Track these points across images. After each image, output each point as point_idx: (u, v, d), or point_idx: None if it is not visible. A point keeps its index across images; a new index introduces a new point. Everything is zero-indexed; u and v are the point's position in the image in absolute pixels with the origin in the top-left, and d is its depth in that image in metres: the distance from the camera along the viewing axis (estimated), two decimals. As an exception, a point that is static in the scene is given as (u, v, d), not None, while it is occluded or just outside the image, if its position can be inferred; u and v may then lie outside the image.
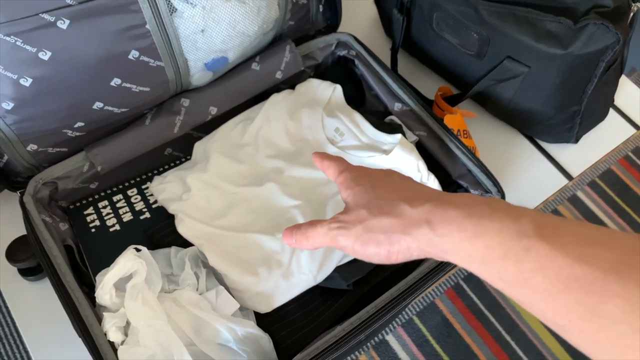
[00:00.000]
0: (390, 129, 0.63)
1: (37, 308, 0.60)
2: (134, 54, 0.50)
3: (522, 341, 1.25)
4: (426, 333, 1.24)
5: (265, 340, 0.51)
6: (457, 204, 0.35)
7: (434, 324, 1.25)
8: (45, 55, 0.45)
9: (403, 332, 1.24)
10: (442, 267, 0.53)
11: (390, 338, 1.22)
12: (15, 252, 0.58)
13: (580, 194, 1.48)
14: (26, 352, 1.14)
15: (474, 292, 1.30)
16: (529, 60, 0.62)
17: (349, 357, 1.11)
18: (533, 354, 1.24)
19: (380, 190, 0.39)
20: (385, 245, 0.37)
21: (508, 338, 1.25)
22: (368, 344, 1.17)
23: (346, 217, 0.39)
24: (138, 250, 0.51)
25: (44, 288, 0.60)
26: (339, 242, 0.39)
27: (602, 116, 0.76)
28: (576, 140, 0.75)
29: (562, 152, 0.77)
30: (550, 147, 0.77)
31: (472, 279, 1.32)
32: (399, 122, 0.64)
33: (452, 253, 0.35)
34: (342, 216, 0.40)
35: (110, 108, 0.53)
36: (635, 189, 1.50)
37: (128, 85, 0.52)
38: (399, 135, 0.60)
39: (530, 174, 0.75)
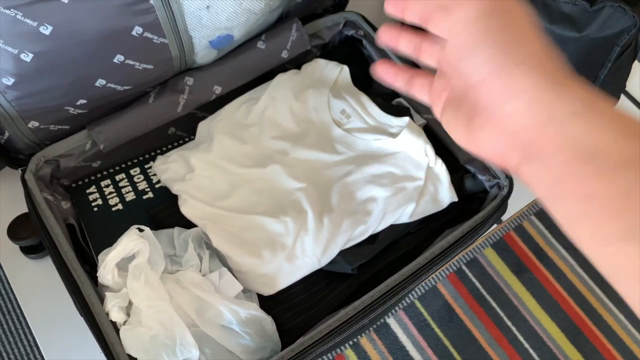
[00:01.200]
0: (398, 111, 0.61)
1: (40, 286, 0.60)
2: (137, 30, 0.49)
3: (523, 327, 1.25)
4: (427, 317, 1.24)
5: (268, 322, 0.50)
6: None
7: (435, 308, 1.25)
8: (46, 30, 0.44)
9: (404, 316, 1.24)
10: (446, 253, 0.53)
11: (392, 321, 1.23)
12: (17, 230, 0.58)
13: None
14: (29, 329, 1.14)
15: (476, 277, 1.30)
16: (542, 43, 0.61)
17: (350, 340, 1.12)
18: (533, 339, 1.24)
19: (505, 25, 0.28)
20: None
21: (509, 323, 1.26)
22: (371, 327, 1.17)
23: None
24: (141, 230, 0.50)
25: (46, 266, 0.60)
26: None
27: (613, 102, 0.75)
28: (586, 126, 0.73)
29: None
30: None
31: (474, 264, 1.31)
32: (406, 104, 0.63)
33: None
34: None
35: (113, 85, 0.52)
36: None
37: (131, 62, 0.51)
38: (407, 118, 0.59)
39: (538, 159, 0.73)
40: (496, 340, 1.23)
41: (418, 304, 1.25)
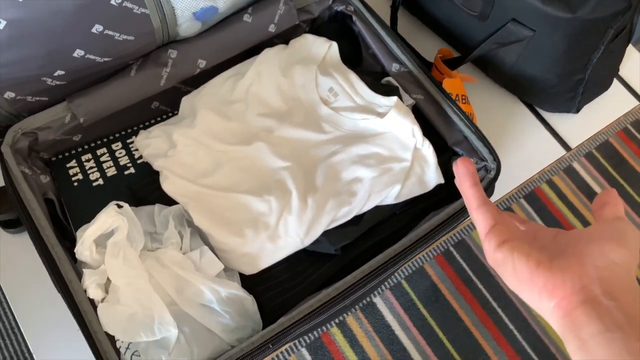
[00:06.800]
0: (387, 90, 0.60)
1: (19, 261, 0.59)
2: (116, -1, 0.47)
3: (509, 308, 1.27)
4: (414, 297, 1.25)
5: (249, 301, 0.50)
6: None
7: (422, 288, 1.26)
8: (20, -4, 0.42)
9: (391, 295, 1.24)
10: (430, 235, 0.52)
11: (378, 300, 1.23)
12: (-6, 203, 0.56)
13: (576, 165, 1.47)
14: (8, 304, 1.13)
15: (463, 258, 1.31)
16: (534, 24, 0.59)
17: (333, 320, 1.12)
18: (518, 321, 1.26)
19: None
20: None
21: (495, 305, 1.27)
22: (356, 306, 1.17)
23: None
24: (120, 206, 0.49)
25: (26, 241, 0.59)
26: None
27: (605, 86, 0.74)
28: (577, 110, 0.73)
29: (561, 121, 0.75)
30: (550, 117, 0.75)
31: (462, 246, 1.32)
32: (396, 84, 0.62)
33: None
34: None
35: (91, 56, 0.50)
36: (632, 163, 1.49)
37: (110, 32, 0.49)
38: (395, 98, 0.58)
39: (528, 143, 0.73)
40: (481, 321, 1.25)
41: (405, 284, 1.26)
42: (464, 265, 1.30)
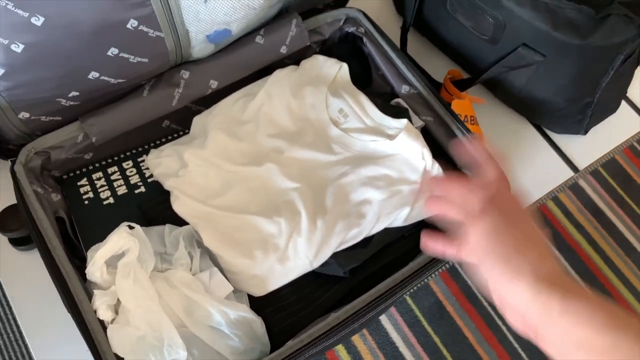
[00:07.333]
0: (396, 112, 0.61)
1: (28, 278, 0.59)
2: (132, 23, 0.47)
3: (513, 326, 1.26)
4: (418, 314, 1.25)
5: (257, 324, 0.50)
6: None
7: (426, 305, 1.26)
8: (38, 21, 0.43)
9: (395, 312, 1.24)
10: (439, 260, 0.52)
11: (383, 317, 1.23)
12: (5, 221, 0.57)
13: (582, 183, 1.47)
14: (15, 321, 1.13)
15: (468, 275, 1.30)
16: (545, 49, 0.60)
17: (341, 343, 1.11)
18: (523, 339, 1.24)
19: (508, 238, 0.40)
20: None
21: (499, 322, 1.26)
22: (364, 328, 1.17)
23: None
24: (131, 227, 0.49)
25: (36, 258, 0.59)
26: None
27: (613, 108, 0.74)
28: (585, 132, 0.73)
29: (569, 143, 0.75)
30: (558, 138, 0.75)
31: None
32: (405, 105, 0.62)
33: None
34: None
35: (106, 78, 0.51)
36: (638, 181, 1.48)
37: (126, 55, 0.50)
38: (405, 120, 0.58)
39: (536, 164, 0.73)
40: (486, 339, 1.24)
41: (409, 301, 1.26)
42: (469, 282, 1.29)
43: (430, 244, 0.45)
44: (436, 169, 0.57)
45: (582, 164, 0.74)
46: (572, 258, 1.36)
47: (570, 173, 0.74)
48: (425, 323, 1.24)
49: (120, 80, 0.53)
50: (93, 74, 0.50)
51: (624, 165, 1.50)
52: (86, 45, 0.47)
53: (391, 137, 0.58)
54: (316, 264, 0.53)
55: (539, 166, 0.73)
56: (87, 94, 0.52)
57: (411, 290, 1.27)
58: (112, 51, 0.49)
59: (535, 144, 0.74)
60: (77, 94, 0.51)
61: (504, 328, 1.25)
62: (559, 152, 0.75)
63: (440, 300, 1.27)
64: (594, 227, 1.40)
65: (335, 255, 0.53)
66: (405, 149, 0.57)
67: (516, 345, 1.24)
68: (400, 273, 0.51)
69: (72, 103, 0.52)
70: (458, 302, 1.27)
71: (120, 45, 0.49)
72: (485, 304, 1.27)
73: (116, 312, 0.48)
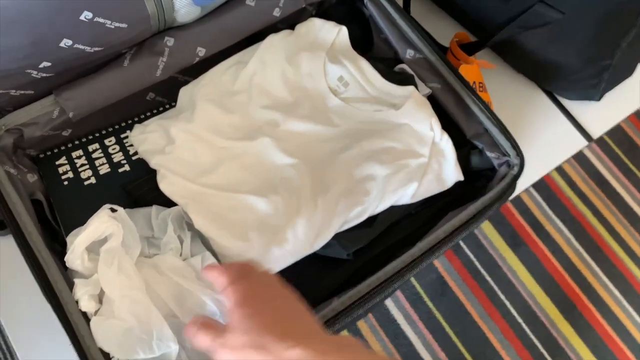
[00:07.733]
0: (401, 79, 0.56)
1: (7, 264, 0.55)
2: (106, -18, 0.42)
3: (517, 301, 1.24)
4: (420, 290, 1.22)
5: (255, 311, 0.46)
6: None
7: (428, 281, 1.23)
8: (-3, -21, 0.38)
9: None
10: (451, 238, 0.49)
11: (384, 294, 1.20)
12: (-22, 205, 0.52)
13: (586, 152, 1.43)
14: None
15: (471, 250, 1.27)
16: (563, 6, 0.55)
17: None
18: (527, 314, 1.23)
19: (264, 318, 0.37)
20: None
21: (503, 297, 1.24)
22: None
23: (229, 338, 0.38)
24: (113, 210, 0.45)
25: (12, 242, 0.55)
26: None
27: (629, 72, 0.70)
28: (599, 98, 0.69)
29: (582, 109, 0.71)
30: (571, 105, 0.71)
31: (469, 237, 1.29)
32: (410, 71, 0.58)
33: None
34: (227, 335, 0.38)
35: (80, 46, 0.46)
36: (644, 149, 1.45)
37: (101, 20, 0.45)
38: (411, 88, 0.54)
39: (548, 132, 0.69)
40: (489, 314, 1.22)
41: (411, 277, 1.23)
42: (472, 257, 1.27)
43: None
44: (445, 140, 0.53)
45: (596, 132, 0.70)
46: (576, 230, 1.33)
47: (583, 142, 0.70)
48: (427, 300, 1.21)
49: (96, 49, 0.48)
50: (65, 42, 0.45)
51: (629, 133, 1.46)
52: (56, 8, 0.42)
53: (396, 107, 0.54)
54: (317, 246, 0.49)
55: (551, 135, 0.69)
56: (61, 64, 0.48)
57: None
58: (86, 15, 0.44)
59: (547, 112, 0.70)
60: (49, 64, 0.47)
61: (507, 303, 1.23)
62: (572, 119, 0.70)
63: (443, 276, 1.24)
64: (598, 198, 1.37)
65: (337, 236, 0.49)
66: (412, 119, 0.53)
67: (520, 320, 1.22)
68: (409, 254, 0.48)
69: (44, 75, 0.48)
70: (460, 277, 1.24)
71: (94, 8, 0.44)
72: (488, 278, 1.25)
73: (100, 302, 0.44)
